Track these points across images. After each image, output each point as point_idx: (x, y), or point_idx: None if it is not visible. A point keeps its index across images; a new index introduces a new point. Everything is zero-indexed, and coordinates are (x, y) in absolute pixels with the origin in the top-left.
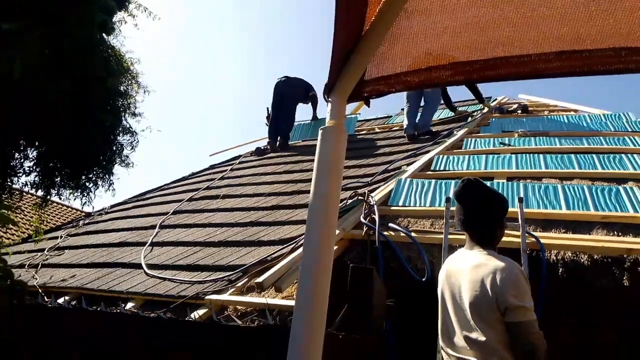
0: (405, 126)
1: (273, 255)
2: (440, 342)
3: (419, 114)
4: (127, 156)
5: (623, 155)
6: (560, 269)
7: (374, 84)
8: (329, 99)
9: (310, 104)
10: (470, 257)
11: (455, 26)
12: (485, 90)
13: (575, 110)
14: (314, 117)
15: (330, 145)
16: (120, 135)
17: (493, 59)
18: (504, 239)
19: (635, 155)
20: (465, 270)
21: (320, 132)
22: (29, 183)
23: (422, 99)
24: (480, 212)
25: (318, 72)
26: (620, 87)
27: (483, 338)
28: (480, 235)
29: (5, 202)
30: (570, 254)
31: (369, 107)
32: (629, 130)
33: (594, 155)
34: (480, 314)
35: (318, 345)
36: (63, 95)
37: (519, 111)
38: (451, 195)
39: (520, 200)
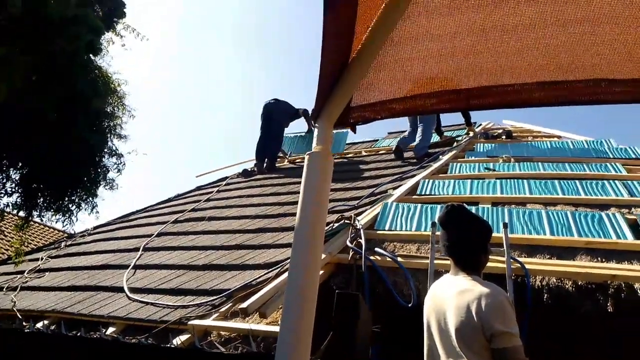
0: (417, 150)
1: (258, 280)
2: None
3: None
4: (113, 179)
5: (605, 182)
6: (545, 294)
7: (360, 111)
8: (316, 125)
9: (303, 118)
10: (455, 282)
11: (441, 55)
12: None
13: (559, 137)
14: (310, 129)
15: (316, 170)
16: (106, 157)
17: (477, 88)
18: (490, 264)
19: (616, 182)
20: (451, 296)
21: (306, 157)
22: (10, 204)
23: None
24: (464, 238)
25: (307, 95)
26: (602, 113)
27: None
28: (464, 261)
29: None
30: (555, 280)
31: (354, 133)
32: (610, 156)
33: (577, 181)
34: (465, 341)
35: None
36: (47, 116)
37: (504, 137)
38: (436, 220)
39: (505, 225)
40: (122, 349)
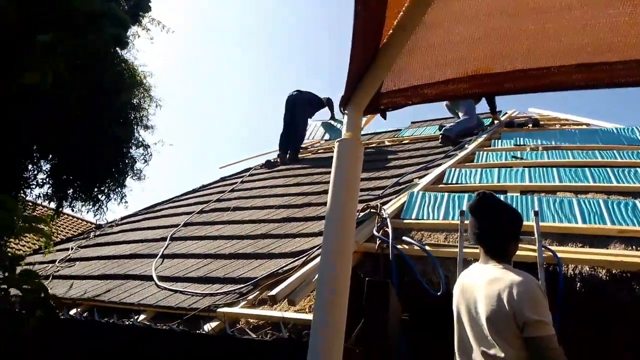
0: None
1: (285, 268)
2: (457, 358)
3: (451, 123)
4: (140, 170)
5: (638, 169)
6: (578, 283)
7: (391, 97)
8: (345, 112)
9: (327, 108)
10: (485, 271)
11: (474, 38)
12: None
13: (587, 124)
14: (332, 117)
15: (347, 158)
16: (133, 148)
17: (511, 72)
18: (520, 253)
19: None
20: (481, 285)
21: (336, 144)
22: (41, 195)
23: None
24: (495, 225)
25: (333, 85)
26: (630, 100)
27: (501, 354)
28: (494, 249)
29: (38, 215)
30: (588, 269)
31: (385, 119)
32: None
33: (608, 169)
34: (497, 329)
35: (337, 358)
36: (76, 109)
37: (530, 125)
38: (465, 208)
39: (536, 213)
40: (154, 336)
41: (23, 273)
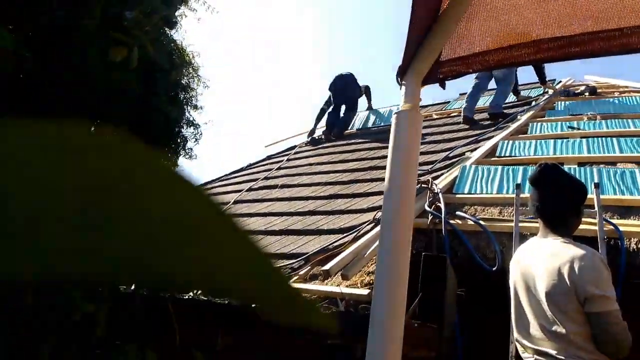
0: (463, 107)
1: (335, 244)
2: (515, 334)
3: (491, 96)
4: (191, 149)
5: None
6: None
7: (451, 65)
8: (403, 82)
9: (364, 95)
10: (545, 245)
11: (539, 1)
12: (549, 72)
13: None
14: (370, 107)
15: (405, 129)
16: (184, 127)
17: (580, 34)
18: (581, 227)
19: None
20: (541, 259)
21: (394, 116)
22: None
23: (492, 81)
24: (558, 198)
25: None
26: None
27: (562, 330)
28: (556, 222)
29: None
30: None
31: (444, 89)
32: None
33: None
34: (558, 305)
35: (399, 332)
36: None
37: (587, 93)
38: (520, 181)
39: (597, 186)
40: (215, 308)
41: None
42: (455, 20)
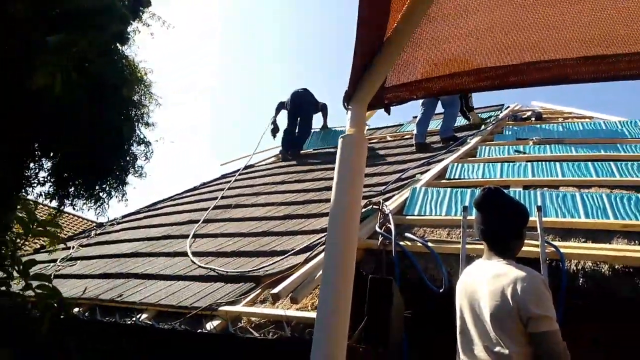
0: (414, 135)
1: (287, 266)
2: (461, 355)
3: (440, 121)
4: (141, 167)
5: None
6: (581, 278)
7: (395, 91)
8: (349, 107)
9: (320, 113)
10: (489, 267)
11: (479, 30)
12: (497, 98)
13: (590, 117)
14: (325, 126)
15: (351, 153)
16: (134, 145)
17: (518, 64)
18: (523, 248)
19: None
20: (485, 281)
21: (340, 140)
22: (43, 193)
23: (439, 106)
24: (501, 221)
25: (331, 81)
26: (633, 93)
27: (505, 351)
28: (499, 245)
29: (50, 219)
30: (590, 264)
31: (389, 114)
32: None
33: (611, 163)
34: (501, 326)
35: (341, 356)
36: (78, 105)
37: (533, 118)
38: (468, 203)
39: (539, 209)
40: (156, 334)
41: (36, 276)
42: (398, 48)
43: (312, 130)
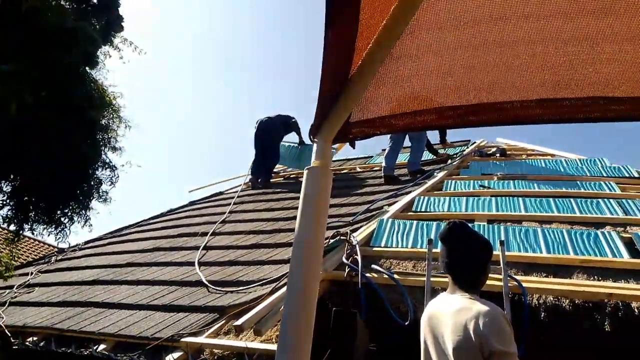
0: (383, 167)
1: (252, 297)
2: None
3: (408, 154)
4: (106, 192)
5: (600, 200)
6: (543, 312)
7: (360, 126)
8: (315, 140)
9: (293, 132)
10: (452, 301)
11: (441, 71)
12: (464, 133)
13: (552, 155)
14: (301, 141)
15: (315, 186)
16: (100, 169)
17: (476, 104)
18: (487, 282)
19: (611, 200)
20: (448, 315)
21: (305, 172)
22: (1, 217)
23: (407, 140)
24: (466, 255)
25: (303, 110)
26: (593, 132)
27: None
28: (463, 279)
29: None
30: (552, 298)
31: (354, 148)
32: (604, 175)
33: (572, 200)
34: (463, 359)
35: None
36: (41, 128)
37: (498, 154)
38: (433, 236)
39: (502, 243)
40: None
41: None
42: (363, 85)
43: (291, 145)
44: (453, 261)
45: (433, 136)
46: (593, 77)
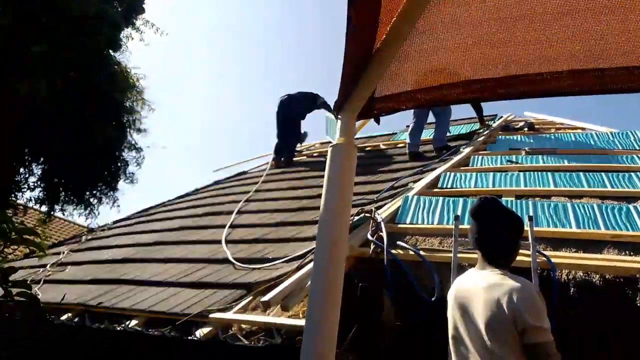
0: (408, 144)
1: (278, 273)
2: None
3: (433, 130)
4: (132, 173)
5: (632, 174)
6: (572, 288)
7: (384, 102)
8: (339, 117)
9: (324, 110)
10: (483, 277)
11: (467, 44)
12: (491, 108)
13: (583, 129)
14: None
15: (340, 163)
16: (126, 151)
17: (505, 77)
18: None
19: None
20: (479, 291)
21: (330, 149)
22: (33, 198)
23: (430, 116)
24: (496, 231)
25: (326, 89)
26: (627, 105)
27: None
28: (494, 255)
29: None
30: (581, 274)
31: (378, 124)
32: (637, 148)
33: (603, 174)
34: (496, 335)
35: None
36: (69, 111)
37: (526, 129)
38: (460, 212)
39: (530, 219)
40: (145, 341)
41: (16, 283)
42: (387, 60)
43: (329, 119)
44: (484, 237)
45: (460, 113)
46: (625, 47)
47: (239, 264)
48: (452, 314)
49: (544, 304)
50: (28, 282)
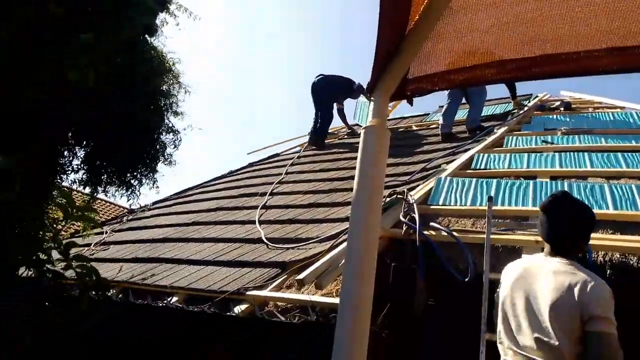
0: (441, 125)
1: (312, 252)
2: (504, 339)
3: (467, 111)
4: (170, 154)
5: None
6: (608, 270)
7: (417, 82)
8: (372, 98)
9: (361, 95)
10: (551, 264)
11: (501, 23)
12: (525, 87)
13: (622, 108)
14: None
15: (373, 144)
16: (164, 134)
17: (540, 56)
18: None
19: None
20: (548, 274)
21: (362, 131)
22: (77, 180)
23: (464, 97)
24: (569, 226)
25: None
26: None
27: (556, 342)
28: (565, 248)
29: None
30: (618, 255)
31: (411, 105)
32: None
33: None
34: (559, 319)
35: (363, 343)
36: (111, 96)
37: (562, 108)
38: (493, 193)
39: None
40: (186, 317)
41: (76, 257)
42: (421, 40)
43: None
44: (555, 232)
45: (495, 93)
46: None
47: (271, 244)
48: (508, 293)
49: (613, 300)
50: None
